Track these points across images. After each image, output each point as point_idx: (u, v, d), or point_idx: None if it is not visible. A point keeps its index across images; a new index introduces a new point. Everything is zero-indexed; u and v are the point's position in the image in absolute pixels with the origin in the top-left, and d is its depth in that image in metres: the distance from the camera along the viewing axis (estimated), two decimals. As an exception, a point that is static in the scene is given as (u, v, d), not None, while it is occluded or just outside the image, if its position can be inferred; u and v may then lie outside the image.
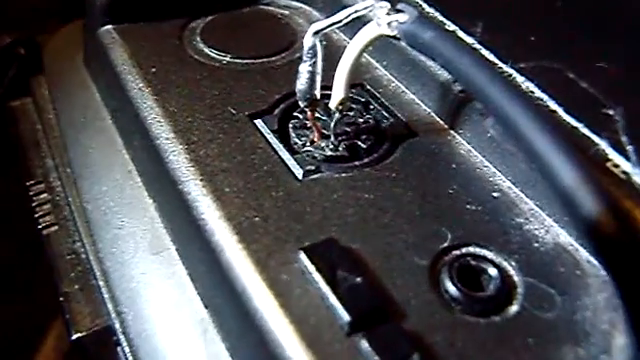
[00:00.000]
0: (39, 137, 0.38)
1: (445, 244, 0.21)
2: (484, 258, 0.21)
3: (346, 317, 0.18)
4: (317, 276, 0.19)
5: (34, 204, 0.34)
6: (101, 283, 0.28)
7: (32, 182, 0.35)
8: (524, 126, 0.18)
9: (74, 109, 0.35)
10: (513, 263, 0.21)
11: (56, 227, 0.32)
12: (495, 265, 0.20)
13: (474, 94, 0.20)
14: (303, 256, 0.19)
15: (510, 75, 0.24)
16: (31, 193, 0.34)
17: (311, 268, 0.19)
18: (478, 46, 0.25)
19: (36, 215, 0.33)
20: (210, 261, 0.21)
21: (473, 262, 0.20)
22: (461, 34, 0.26)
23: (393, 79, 0.28)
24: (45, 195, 0.34)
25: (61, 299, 0.29)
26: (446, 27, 0.26)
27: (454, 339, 0.18)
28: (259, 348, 0.18)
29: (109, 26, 0.32)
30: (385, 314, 0.18)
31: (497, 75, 0.19)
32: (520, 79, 0.24)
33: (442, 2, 0.28)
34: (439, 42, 0.19)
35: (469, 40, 0.26)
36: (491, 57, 0.25)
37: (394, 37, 0.21)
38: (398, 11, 0.21)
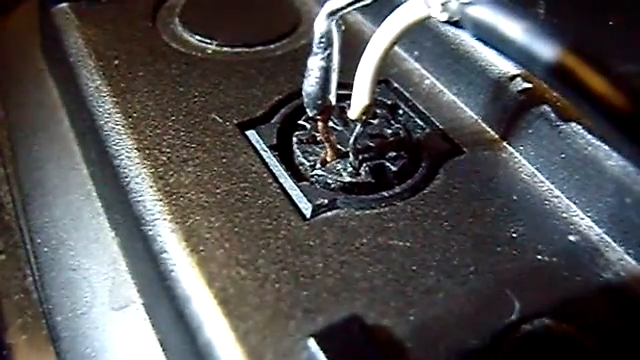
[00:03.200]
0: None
1: (512, 317, 0.15)
2: (563, 335, 0.14)
3: None
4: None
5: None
6: (53, 341, 0.21)
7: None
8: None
9: (27, 108, 0.28)
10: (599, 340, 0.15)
11: (3, 256, 0.26)
12: (577, 345, 0.14)
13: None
14: (313, 344, 0.13)
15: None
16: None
17: (325, 364, 0.13)
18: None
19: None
20: (186, 337, 0.15)
21: (553, 342, 0.14)
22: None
23: (428, 75, 0.22)
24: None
25: (4, 352, 0.23)
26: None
27: None
28: None
29: (64, 4, 0.25)
30: None
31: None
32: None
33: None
34: (523, 24, 0.13)
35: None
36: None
37: (452, 23, 0.14)
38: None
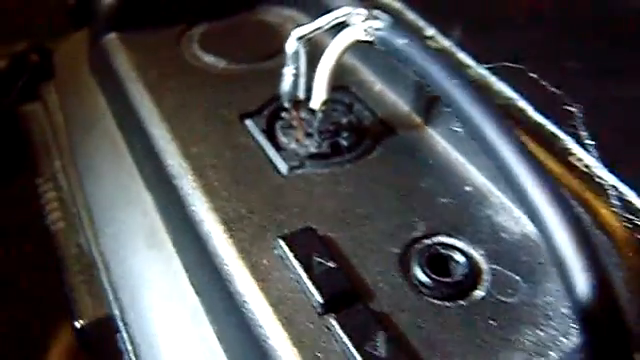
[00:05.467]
0: (48, 139, 0.40)
1: (417, 234, 0.22)
2: (453, 247, 0.22)
3: (319, 299, 0.19)
4: (294, 262, 0.20)
5: (43, 201, 0.36)
6: (103, 275, 0.29)
7: (41, 181, 0.38)
8: (500, 150, 0.19)
9: (81, 113, 0.37)
10: (481, 251, 0.22)
11: (63, 223, 0.34)
12: (463, 253, 0.22)
13: (443, 99, 0.21)
14: (282, 243, 0.21)
15: (482, 75, 0.25)
16: (40, 191, 0.36)
17: (289, 254, 0.21)
18: (454, 48, 0.27)
19: (44, 212, 0.35)
20: (200, 250, 0.23)
21: (442, 250, 0.22)
22: (439, 37, 0.28)
23: (377, 81, 0.30)
24: (53, 193, 0.37)
25: (66, 291, 0.31)
26: (425, 31, 0.28)
27: (420, 320, 0.20)
28: (241, 328, 0.20)
29: (112, 34, 0.34)
30: (355, 297, 0.20)
31: (463, 84, 0.21)
32: (492, 79, 0.25)
33: (423, 8, 0.29)
34: (410, 49, 0.21)
35: (446, 43, 0.27)
36: (466, 58, 0.26)
37: (370, 42, 0.23)
38: (374, 18, 0.23)
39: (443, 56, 0.21)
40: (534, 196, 0.18)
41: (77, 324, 0.29)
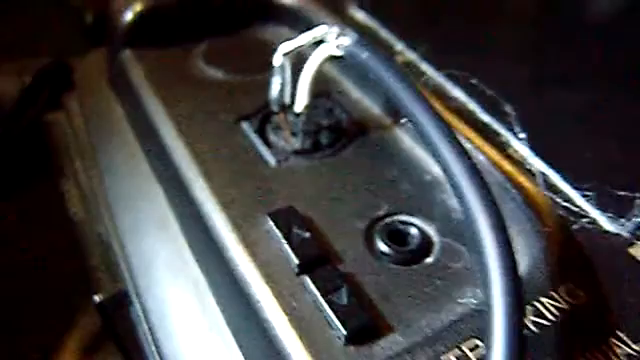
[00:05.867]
0: (70, 144, 0.45)
1: (380, 213, 0.27)
2: (410, 223, 0.27)
3: (295, 262, 0.24)
4: (277, 233, 0.25)
5: (66, 196, 0.41)
6: (119, 257, 0.34)
7: (64, 180, 0.43)
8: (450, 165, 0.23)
9: (100, 118, 0.42)
10: (434, 227, 0.27)
11: (84, 215, 0.39)
12: (418, 228, 0.26)
13: (393, 101, 0.26)
14: (268, 219, 0.26)
15: (440, 82, 0.30)
16: (64, 188, 0.41)
17: (273, 228, 0.25)
18: (418, 59, 0.32)
19: (68, 205, 0.40)
20: (200, 228, 0.28)
21: (400, 226, 0.26)
22: (406, 51, 0.33)
23: (355, 90, 0.35)
24: (75, 190, 0.42)
25: (88, 272, 0.36)
26: (395, 46, 0.33)
27: (378, 280, 0.24)
28: (234, 288, 0.25)
29: (127, 50, 0.39)
30: (326, 260, 0.24)
31: (415, 96, 0.25)
32: (448, 86, 0.30)
33: (394, 27, 0.34)
34: (370, 61, 0.26)
35: (412, 56, 0.32)
36: (427, 68, 0.31)
37: (341, 57, 0.27)
38: (344, 35, 0.28)
39: (395, 66, 0.25)
40: (466, 195, 0.22)
41: (97, 298, 0.34)
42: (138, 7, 0.39)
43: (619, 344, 0.21)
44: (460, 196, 0.22)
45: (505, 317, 0.18)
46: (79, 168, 0.42)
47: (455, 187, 0.22)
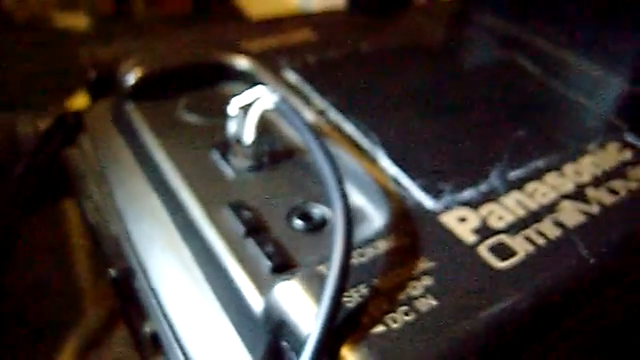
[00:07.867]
0: (85, 170, 0.61)
1: (298, 202, 0.43)
2: (317, 208, 0.43)
3: (243, 229, 0.40)
4: (233, 214, 0.41)
5: (85, 209, 0.56)
6: (126, 243, 0.49)
7: (82, 197, 0.58)
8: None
9: (108, 152, 0.58)
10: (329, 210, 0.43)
11: (99, 219, 0.54)
12: (319, 210, 0.43)
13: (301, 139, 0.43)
14: (229, 207, 0.42)
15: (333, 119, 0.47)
16: (83, 203, 0.56)
17: (230, 214, 0.41)
18: (327, 105, 0.49)
19: (85, 214, 0.55)
20: (183, 215, 0.43)
21: (309, 209, 0.43)
22: (330, 109, 0.50)
23: (287, 127, 0.52)
24: (91, 204, 0.57)
25: (103, 258, 0.51)
26: (310, 97, 0.50)
27: (292, 241, 0.40)
28: (207, 254, 0.40)
29: (130, 102, 0.56)
30: (262, 229, 0.40)
31: (319, 145, 0.42)
32: (344, 123, 0.47)
33: (316, 83, 0.52)
34: (288, 113, 0.43)
35: (336, 117, 0.49)
36: (334, 112, 0.48)
37: (272, 110, 0.44)
38: (273, 94, 0.44)
39: (300, 114, 0.42)
40: (332, 198, 0.39)
41: (111, 272, 0.49)
42: (139, 72, 0.55)
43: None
44: (322, 178, 0.39)
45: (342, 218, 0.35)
46: (93, 188, 0.58)
47: (320, 175, 0.39)
